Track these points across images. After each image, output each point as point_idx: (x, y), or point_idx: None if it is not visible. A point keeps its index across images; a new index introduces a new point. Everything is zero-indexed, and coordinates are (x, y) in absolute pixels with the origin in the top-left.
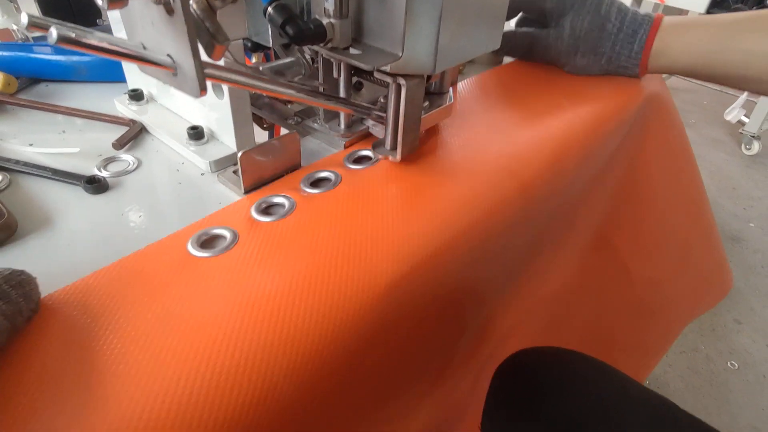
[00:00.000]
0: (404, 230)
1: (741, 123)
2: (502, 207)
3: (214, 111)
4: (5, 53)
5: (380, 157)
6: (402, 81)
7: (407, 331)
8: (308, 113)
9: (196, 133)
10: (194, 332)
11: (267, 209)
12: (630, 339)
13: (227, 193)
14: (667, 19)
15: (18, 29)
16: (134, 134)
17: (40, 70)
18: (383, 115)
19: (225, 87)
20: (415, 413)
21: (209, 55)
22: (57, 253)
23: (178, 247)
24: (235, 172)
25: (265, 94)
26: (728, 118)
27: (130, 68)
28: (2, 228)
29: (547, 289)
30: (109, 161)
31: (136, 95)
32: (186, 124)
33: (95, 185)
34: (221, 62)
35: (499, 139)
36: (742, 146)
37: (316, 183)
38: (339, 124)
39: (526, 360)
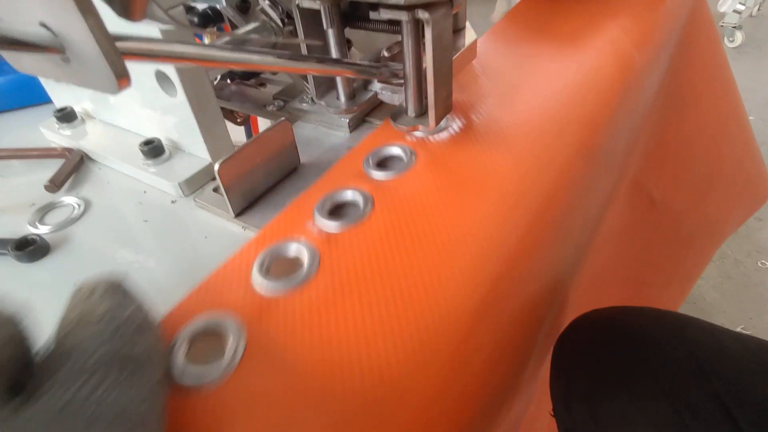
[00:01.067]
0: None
1: (737, 12)
2: (576, 160)
3: (170, 114)
4: None
5: (411, 141)
6: (424, 15)
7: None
8: (291, 93)
9: (153, 149)
10: None
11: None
12: (666, 273)
13: (213, 221)
14: None
15: None
16: (73, 167)
17: None
18: (399, 70)
19: (175, 78)
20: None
21: (124, 14)
22: None
23: None
24: (215, 189)
25: (230, 83)
26: (723, 9)
27: (52, 82)
28: None
29: (599, 242)
30: (45, 211)
31: (66, 115)
32: (137, 140)
33: (28, 250)
34: (155, 30)
35: (549, 75)
36: (725, 39)
37: (335, 211)
38: (338, 97)
39: (591, 326)
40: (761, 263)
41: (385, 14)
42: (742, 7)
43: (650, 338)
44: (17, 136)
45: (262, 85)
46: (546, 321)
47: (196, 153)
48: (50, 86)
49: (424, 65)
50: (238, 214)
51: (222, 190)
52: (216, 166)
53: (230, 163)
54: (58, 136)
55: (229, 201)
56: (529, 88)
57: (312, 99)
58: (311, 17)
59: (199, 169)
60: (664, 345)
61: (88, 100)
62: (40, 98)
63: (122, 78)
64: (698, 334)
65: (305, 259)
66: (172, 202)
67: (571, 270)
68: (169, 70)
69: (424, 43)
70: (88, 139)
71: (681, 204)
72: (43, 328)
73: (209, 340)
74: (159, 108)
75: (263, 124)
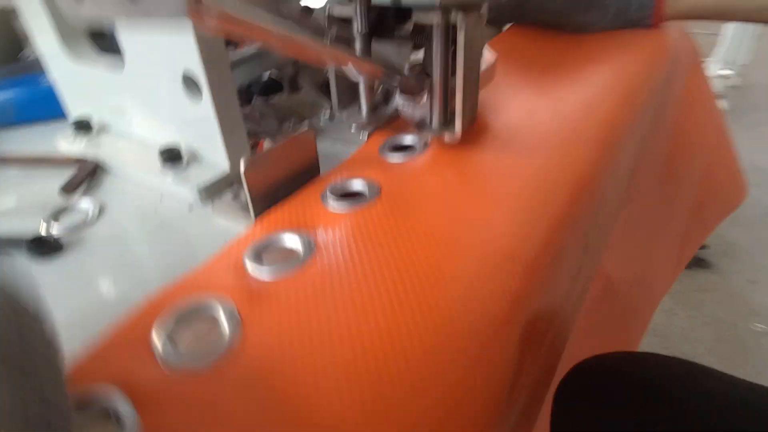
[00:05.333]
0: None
1: (724, 77)
2: (587, 182)
3: (191, 120)
4: None
5: (427, 139)
6: (458, 17)
7: None
8: (308, 112)
9: (171, 155)
10: None
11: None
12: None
13: (230, 227)
14: None
15: None
16: (86, 174)
17: None
18: (423, 79)
19: (203, 81)
20: None
21: None
22: None
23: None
24: (235, 197)
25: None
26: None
27: (71, 93)
28: None
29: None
30: (58, 214)
31: (82, 125)
32: (152, 150)
33: (42, 248)
34: None
35: (551, 104)
36: None
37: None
38: (359, 110)
39: (596, 372)
40: (756, 326)
41: (419, 18)
42: (728, 72)
43: (660, 387)
44: (34, 148)
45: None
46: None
47: (215, 161)
48: (69, 98)
49: (449, 74)
50: (257, 214)
51: (246, 189)
52: (242, 165)
53: (256, 163)
54: (73, 147)
55: (252, 202)
56: (538, 104)
57: (331, 116)
58: (341, 26)
59: (218, 177)
60: (675, 395)
61: (107, 111)
62: (57, 112)
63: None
64: (710, 384)
65: (300, 246)
66: (190, 209)
67: (574, 303)
68: (198, 72)
69: (453, 50)
70: (103, 149)
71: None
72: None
73: (199, 323)
74: (179, 115)
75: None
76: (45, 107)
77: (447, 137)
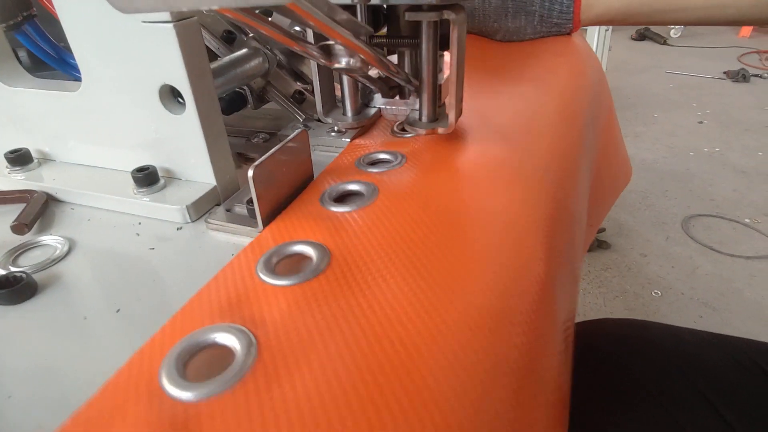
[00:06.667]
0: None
1: None
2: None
3: (166, 140)
4: None
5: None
6: (451, 15)
7: None
8: (275, 126)
9: (147, 176)
10: None
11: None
12: None
13: (233, 240)
14: None
15: None
16: (39, 208)
17: None
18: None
19: (188, 92)
20: None
21: None
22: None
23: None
24: (229, 210)
25: None
26: None
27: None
28: None
29: None
30: (16, 253)
31: (20, 157)
32: (115, 174)
33: (15, 288)
34: None
35: (510, 102)
36: None
37: (341, 199)
38: (344, 113)
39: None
40: (654, 293)
41: (410, 17)
42: None
43: (614, 347)
44: None
45: None
46: None
47: (197, 176)
48: None
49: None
50: (266, 224)
51: (254, 196)
52: (250, 172)
53: (264, 167)
54: (6, 181)
55: (260, 210)
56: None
57: (304, 124)
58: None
59: (205, 192)
60: (632, 349)
61: (45, 142)
62: None
63: None
64: (659, 334)
65: (314, 256)
66: (178, 229)
67: None
68: (182, 82)
69: (454, 40)
70: (51, 181)
71: None
72: (38, 378)
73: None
74: (153, 131)
75: None
76: None
77: (441, 130)
